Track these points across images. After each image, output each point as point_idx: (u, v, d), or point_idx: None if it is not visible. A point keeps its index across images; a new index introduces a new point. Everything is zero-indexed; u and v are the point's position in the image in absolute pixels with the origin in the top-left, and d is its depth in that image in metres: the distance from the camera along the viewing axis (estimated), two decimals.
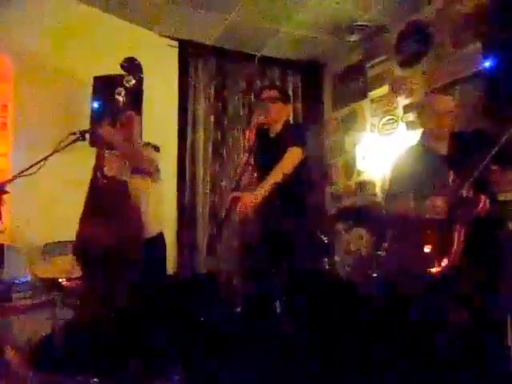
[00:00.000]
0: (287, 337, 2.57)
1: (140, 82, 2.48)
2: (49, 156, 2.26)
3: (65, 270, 2.92)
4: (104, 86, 3.28)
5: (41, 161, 2.29)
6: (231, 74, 4.81)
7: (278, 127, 2.72)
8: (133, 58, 2.48)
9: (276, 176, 2.42)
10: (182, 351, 2.83)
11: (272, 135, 2.72)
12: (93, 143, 3.26)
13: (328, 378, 2.46)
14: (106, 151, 2.51)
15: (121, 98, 2.41)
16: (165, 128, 4.35)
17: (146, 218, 2.70)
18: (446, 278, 2.14)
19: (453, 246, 2.12)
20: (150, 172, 2.70)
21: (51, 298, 2.92)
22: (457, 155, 2.26)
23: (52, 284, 3.00)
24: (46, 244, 3.43)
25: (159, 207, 2.85)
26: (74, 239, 2.41)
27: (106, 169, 2.49)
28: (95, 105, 3.24)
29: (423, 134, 2.48)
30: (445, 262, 2.13)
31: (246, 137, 2.68)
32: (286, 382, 2.40)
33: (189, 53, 4.56)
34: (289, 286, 2.59)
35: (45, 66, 3.70)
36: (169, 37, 4.41)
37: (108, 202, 2.39)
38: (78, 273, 2.85)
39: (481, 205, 2.09)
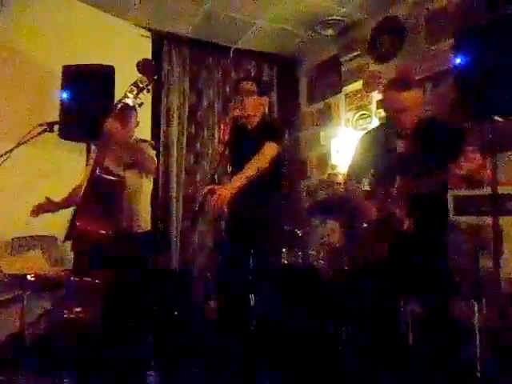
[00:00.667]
0: (261, 329, 2.59)
1: (150, 83, 2.51)
2: (14, 148, 2.19)
3: (33, 265, 2.85)
4: (74, 76, 3.19)
5: (6, 153, 2.22)
6: (206, 65, 4.75)
7: (255, 120, 2.70)
8: (149, 59, 2.54)
9: (251, 170, 2.41)
10: (155, 346, 2.82)
11: (249, 128, 2.71)
12: (63, 135, 3.18)
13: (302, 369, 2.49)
14: (108, 146, 2.50)
15: (131, 96, 2.42)
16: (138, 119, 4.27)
17: (139, 213, 2.77)
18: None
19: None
20: (148, 168, 2.73)
21: (19, 294, 2.84)
22: (411, 157, 2.22)
23: (20, 280, 2.92)
24: (13, 239, 3.33)
25: (148, 203, 2.90)
26: (68, 230, 2.41)
27: (105, 163, 2.49)
28: (64, 95, 3.13)
29: (386, 124, 2.46)
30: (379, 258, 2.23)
31: (222, 129, 2.66)
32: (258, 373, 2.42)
33: (163, 43, 4.48)
34: (262, 279, 2.59)
35: (15, 54, 3.57)
36: (142, 26, 4.32)
37: (106, 196, 2.40)
38: (46, 268, 2.79)
39: (404, 226, 2.17)
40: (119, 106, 2.46)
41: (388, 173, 2.26)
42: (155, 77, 2.49)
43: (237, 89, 2.73)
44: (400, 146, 2.30)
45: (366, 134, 2.58)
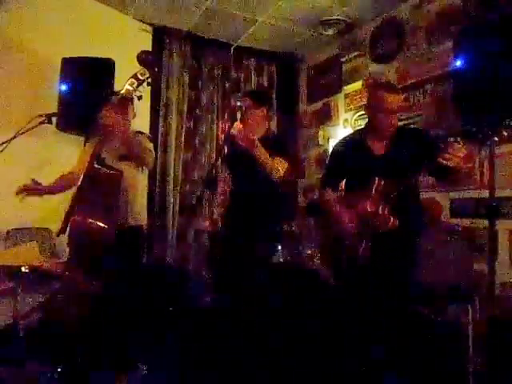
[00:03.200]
0: (257, 325, 2.59)
1: (151, 75, 2.44)
2: (12, 139, 2.17)
3: (28, 257, 2.83)
4: (73, 68, 3.18)
5: (3, 144, 2.21)
6: (206, 62, 4.74)
7: (261, 132, 2.66)
8: (149, 51, 2.48)
9: (267, 160, 2.44)
10: (149, 341, 2.81)
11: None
12: (61, 127, 3.17)
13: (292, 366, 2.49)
14: (106, 138, 2.47)
15: (130, 88, 2.37)
16: (136, 114, 4.25)
17: (135, 207, 2.73)
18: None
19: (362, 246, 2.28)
20: (146, 162, 2.69)
21: (13, 286, 2.82)
22: (390, 159, 2.28)
23: (14, 272, 2.90)
24: (9, 231, 3.32)
25: (144, 197, 2.87)
26: (63, 223, 2.35)
27: (102, 155, 2.46)
28: (63, 87, 3.12)
29: (365, 128, 2.48)
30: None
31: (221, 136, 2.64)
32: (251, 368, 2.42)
33: (163, 38, 4.47)
34: (258, 276, 2.60)
35: (14, 45, 3.55)
36: (143, 21, 4.30)
37: (100, 188, 2.36)
38: (41, 260, 2.78)
39: (389, 225, 2.20)
40: (118, 97, 2.42)
41: (365, 174, 2.29)
42: (155, 69, 2.46)
43: (243, 102, 2.61)
44: (377, 148, 2.36)
45: (339, 142, 2.62)
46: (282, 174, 2.54)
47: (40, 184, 2.68)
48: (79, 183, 2.37)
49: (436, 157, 1.99)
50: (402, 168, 2.19)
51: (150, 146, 2.77)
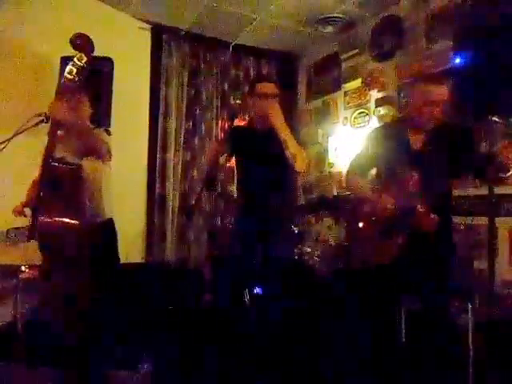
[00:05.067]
0: (254, 325, 2.59)
1: (90, 60, 2.30)
2: (10, 138, 2.16)
3: (27, 256, 2.83)
4: None
5: (2, 143, 2.20)
6: (205, 60, 4.73)
7: (267, 122, 2.52)
8: (84, 34, 2.31)
9: (294, 145, 2.36)
10: (150, 339, 2.81)
11: (259, 131, 2.58)
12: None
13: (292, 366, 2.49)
14: (59, 131, 2.36)
15: (70, 76, 2.23)
16: (136, 114, 4.25)
17: (99, 202, 2.66)
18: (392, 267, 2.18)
19: (393, 243, 2.17)
20: (102, 154, 2.60)
21: (12, 284, 2.83)
22: (430, 156, 2.18)
23: (14, 270, 2.91)
24: (8, 230, 3.31)
25: (109, 191, 2.77)
26: (30, 228, 2.27)
27: (57, 150, 2.37)
28: None
29: (403, 119, 2.41)
30: (386, 256, 2.18)
31: (222, 128, 2.57)
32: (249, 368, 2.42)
33: (162, 37, 4.46)
34: (260, 274, 2.58)
35: (13, 44, 3.54)
36: (142, 19, 4.29)
37: (62, 186, 2.28)
38: (40, 259, 2.77)
39: (431, 223, 2.10)
40: (60, 87, 2.29)
41: (401, 168, 2.20)
42: (91, 53, 2.28)
43: (255, 90, 2.54)
44: (416, 142, 2.26)
45: (377, 129, 2.51)
46: (302, 168, 2.41)
47: (22, 203, 2.75)
48: (38, 183, 2.29)
49: (479, 156, 2.01)
50: (441, 167, 2.11)
51: (108, 138, 2.68)
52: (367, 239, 2.31)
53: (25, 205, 2.78)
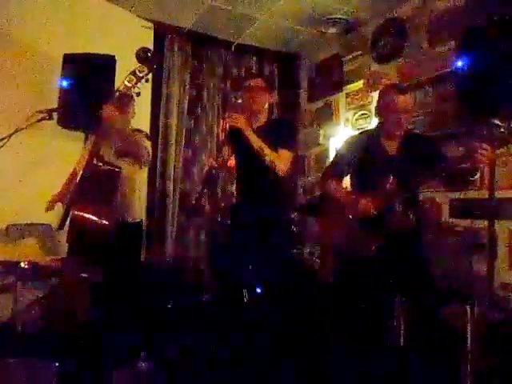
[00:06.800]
0: (253, 324, 2.58)
1: (149, 72, 2.46)
2: (12, 134, 2.17)
3: (27, 253, 2.83)
4: (75, 64, 3.17)
5: (4, 139, 2.20)
6: (207, 59, 4.74)
7: (262, 119, 2.65)
8: (149, 48, 2.49)
9: (266, 151, 2.42)
10: (149, 338, 2.81)
11: (254, 127, 2.61)
12: (62, 123, 3.16)
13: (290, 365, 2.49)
14: (105, 135, 2.49)
15: (129, 85, 2.39)
16: (137, 112, 4.24)
17: (133, 203, 2.77)
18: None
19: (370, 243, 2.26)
20: (142, 158, 2.72)
21: (12, 281, 2.82)
22: (403, 160, 2.31)
23: (13, 267, 2.90)
24: (8, 226, 3.32)
25: (141, 194, 2.94)
26: (62, 219, 2.38)
27: (101, 153, 2.48)
28: (64, 83, 3.12)
29: (378, 128, 2.50)
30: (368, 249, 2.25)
31: (222, 128, 2.59)
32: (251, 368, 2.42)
33: (165, 36, 4.46)
34: (259, 274, 2.58)
35: (15, 41, 3.54)
36: (145, 18, 4.29)
37: (100, 184, 2.39)
38: (40, 256, 2.78)
39: (409, 222, 2.23)
40: (117, 94, 2.44)
41: (376, 172, 2.30)
42: (154, 66, 2.46)
43: (241, 85, 2.67)
44: (390, 147, 2.39)
45: (353, 136, 2.65)
46: (284, 171, 2.50)
47: (55, 196, 2.79)
48: (78, 179, 2.38)
49: (442, 162, 2.09)
50: (413, 169, 2.22)
51: (148, 144, 2.79)
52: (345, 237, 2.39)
53: (57, 199, 2.83)
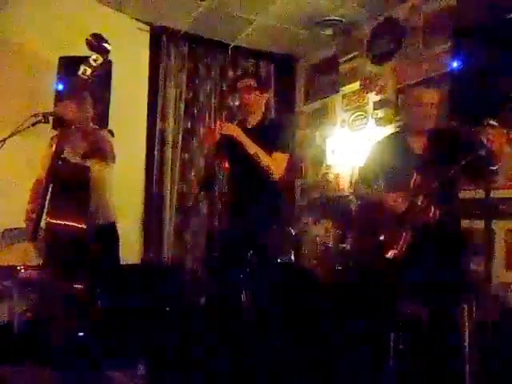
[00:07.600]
0: (251, 326, 2.58)
1: (107, 62, 2.30)
2: (7, 138, 2.14)
3: (23, 257, 2.81)
4: (70, 67, 3.16)
5: None
6: (204, 61, 4.73)
7: (256, 119, 2.65)
8: (100, 35, 2.24)
9: (261, 155, 2.42)
10: (146, 341, 2.80)
11: (249, 128, 2.62)
12: (57, 126, 3.15)
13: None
14: (67, 133, 2.34)
15: (85, 77, 2.18)
16: (133, 114, 4.25)
17: (105, 203, 2.65)
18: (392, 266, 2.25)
19: (399, 241, 2.23)
20: (107, 155, 2.58)
21: (8, 285, 2.81)
22: (429, 158, 2.30)
23: (9, 271, 2.89)
24: (4, 230, 3.30)
25: (113, 193, 2.77)
26: (33, 229, 2.25)
27: (66, 152, 2.36)
28: (60, 86, 3.11)
29: (403, 127, 2.53)
30: (390, 254, 2.24)
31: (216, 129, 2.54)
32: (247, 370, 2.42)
33: (161, 38, 4.45)
34: (256, 276, 2.58)
35: (10, 44, 3.53)
36: (141, 20, 4.29)
37: (69, 187, 2.26)
38: (36, 260, 2.76)
39: (430, 216, 2.19)
40: (71, 86, 2.29)
41: (405, 172, 2.30)
42: (108, 54, 2.22)
43: (236, 87, 2.68)
44: (416, 145, 2.38)
45: (380, 142, 2.63)
46: (279, 174, 2.50)
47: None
48: (44, 185, 2.23)
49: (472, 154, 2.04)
50: (440, 165, 2.21)
51: (112, 139, 2.66)
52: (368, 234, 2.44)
53: (31, 210, 2.63)
